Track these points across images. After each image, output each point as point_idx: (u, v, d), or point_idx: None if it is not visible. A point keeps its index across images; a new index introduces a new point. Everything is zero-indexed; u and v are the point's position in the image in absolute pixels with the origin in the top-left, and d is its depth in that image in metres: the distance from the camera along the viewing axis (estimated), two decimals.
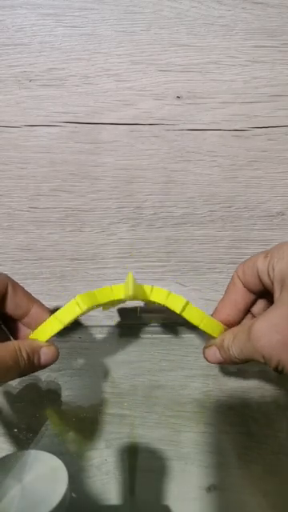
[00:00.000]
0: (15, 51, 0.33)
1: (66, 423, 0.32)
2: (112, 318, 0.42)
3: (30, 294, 0.30)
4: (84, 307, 0.27)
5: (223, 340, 0.28)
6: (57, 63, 0.33)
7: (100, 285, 0.40)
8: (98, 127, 0.35)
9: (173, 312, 0.29)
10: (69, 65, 0.34)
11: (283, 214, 0.38)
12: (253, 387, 0.35)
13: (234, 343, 0.27)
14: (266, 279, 0.27)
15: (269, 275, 0.26)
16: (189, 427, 0.31)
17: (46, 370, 0.36)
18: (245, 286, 0.29)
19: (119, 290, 0.29)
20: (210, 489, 0.26)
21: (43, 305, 0.30)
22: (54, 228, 0.38)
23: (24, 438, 0.30)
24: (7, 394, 0.34)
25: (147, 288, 0.29)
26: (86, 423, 0.31)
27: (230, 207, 0.38)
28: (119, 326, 0.42)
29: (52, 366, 0.36)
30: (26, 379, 0.36)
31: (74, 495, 0.25)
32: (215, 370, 0.37)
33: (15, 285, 0.29)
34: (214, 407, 0.33)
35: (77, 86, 0.34)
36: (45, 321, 0.28)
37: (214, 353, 0.29)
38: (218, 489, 0.26)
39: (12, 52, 0.33)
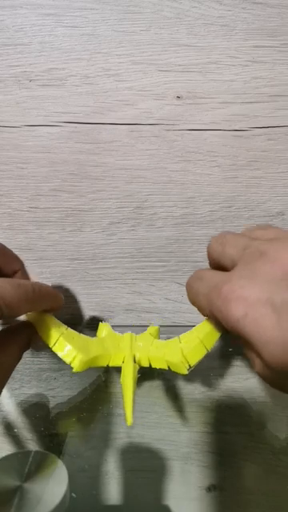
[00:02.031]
0: (15, 51, 0.33)
1: (66, 423, 0.32)
2: (112, 317, 0.42)
3: (17, 258, 0.29)
4: (74, 368, 0.25)
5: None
6: (57, 63, 0.33)
7: (100, 285, 0.40)
8: (97, 127, 0.35)
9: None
10: (69, 65, 0.34)
11: (283, 214, 0.38)
12: (253, 387, 0.35)
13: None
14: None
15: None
16: (189, 427, 0.31)
17: (46, 370, 0.37)
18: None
19: (116, 359, 0.28)
20: (209, 489, 0.26)
21: (26, 274, 0.29)
22: (54, 228, 0.38)
23: (24, 438, 0.30)
24: (7, 394, 0.34)
25: (144, 359, 0.28)
26: (86, 423, 0.31)
27: (229, 207, 0.38)
28: (119, 326, 0.42)
29: (52, 365, 0.36)
30: (27, 379, 0.36)
31: (73, 495, 0.25)
32: (215, 370, 0.37)
33: (41, 294, 0.27)
34: (214, 407, 0.33)
35: (77, 86, 0.34)
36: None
37: None
38: (217, 489, 0.26)
39: (12, 52, 0.33)
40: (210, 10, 0.33)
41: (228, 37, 0.33)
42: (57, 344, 0.26)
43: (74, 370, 0.25)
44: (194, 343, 0.26)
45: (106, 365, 0.27)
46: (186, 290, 0.26)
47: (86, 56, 0.33)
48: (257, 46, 0.33)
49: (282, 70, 0.34)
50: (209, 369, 0.36)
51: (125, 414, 0.24)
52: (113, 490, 0.26)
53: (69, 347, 0.25)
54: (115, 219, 0.38)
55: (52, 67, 0.34)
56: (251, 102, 0.35)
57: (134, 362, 0.28)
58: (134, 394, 0.25)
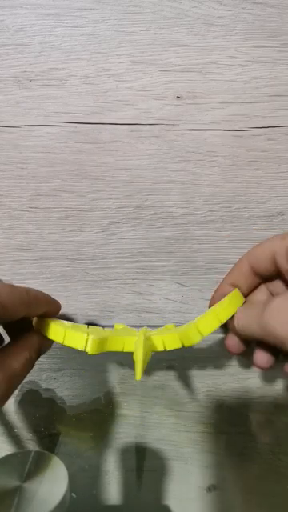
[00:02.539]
0: (15, 51, 0.33)
1: (66, 423, 0.32)
2: (112, 318, 0.42)
3: (47, 299, 0.28)
4: (90, 351, 0.25)
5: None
6: (57, 63, 0.33)
7: (100, 285, 0.40)
8: (98, 127, 0.35)
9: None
10: (69, 65, 0.34)
11: (283, 214, 0.38)
12: (253, 387, 0.35)
13: (243, 317, 0.25)
14: (283, 262, 0.25)
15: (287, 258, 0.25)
16: (189, 427, 0.31)
17: (46, 370, 0.37)
18: (253, 270, 0.28)
19: (130, 343, 0.28)
20: (209, 489, 0.26)
21: (56, 304, 0.29)
22: (54, 228, 0.38)
23: (24, 438, 0.30)
24: None
25: (157, 340, 0.27)
26: (86, 423, 0.31)
27: (229, 207, 0.38)
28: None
29: (52, 365, 0.36)
30: (27, 379, 0.35)
31: (73, 495, 0.25)
32: (215, 370, 0.37)
33: (37, 298, 0.26)
34: (214, 407, 0.33)
35: (77, 86, 0.34)
36: (54, 321, 0.28)
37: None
38: (217, 489, 0.26)
39: (12, 52, 0.33)
40: (209, 9, 0.33)
41: (228, 37, 0.33)
42: (66, 336, 0.26)
43: (90, 353, 0.24)
44: (208, 314, 0.26)
45: (120, 349, 0.27)
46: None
47: (85, 56, 0.33)
48: (257, 46, 0.33)
49: (282, 69, 0.34)
50: (209, 369, 0.37)
51: (134, 369, 0.24)
52: (113, 490, 0.26)
53: (79, 334, 0.25)
54: (115, 219, 0.38)
55: (52, 67, 0.34)
56: (251, 102, 0.35)
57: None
58: (146, 356, 0.25)
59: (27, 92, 0.34)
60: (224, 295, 0.28)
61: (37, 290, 0.26)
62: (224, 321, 0.26)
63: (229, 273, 0.30)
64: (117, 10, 0.33)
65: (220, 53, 0.33)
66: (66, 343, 0.26)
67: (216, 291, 0.30)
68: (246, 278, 0.28)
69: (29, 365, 0.25)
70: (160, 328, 0.32)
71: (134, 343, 0.27)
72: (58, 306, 0.29)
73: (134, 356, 0.25)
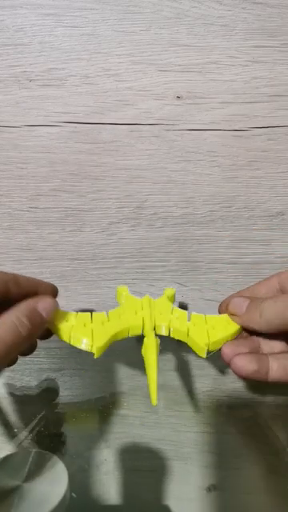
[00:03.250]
0: (15, 51, 0.33)
1: (66, 423, 0.32)
2: None
3: (32, 280, 0.27)
4: (96, 356, 0.26)
5: (262, 299, 0.25)
6: (57, 63, 0.33)
7: (100, 285, 0.40)
8: (97, 127, 0.35)
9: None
10: (69, 65, 0.34)
11: (283, 214, 0.38)
12: (253, 387, 0.35)
13: (273, 306, 0.24)
14: None
15: None
16: (189, 427, 0.31)
17: (46, 370, 0.37)
18: (281, 290, 0.26)
19: (134, 328, 0.28)
20: (209, 489, 0.26)
21: (47, 285, 0.28)
22: (54, 228, 0.38)
23: (24, 438, 0.30)
24: (7, 394, 0.34)
25: (165, 329, 0.28)
26: (86, 423, 0.31)
27: (230, 207, 0.38)
28: None
29: (52, 365, 0.36)
30: (26, 379, 0.36)
31: (74, 495, 0.25)
32: (215, 370, 0.37)
33: (16, 278, 0.26)
34: (214, 407, 0.33)
35: (77, 86, 0.34)
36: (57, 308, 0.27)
37: (239, 304, 0.26)
38: (217, 489, 0.26)
39: (12, 52, 0.33)
40: (209, 9, 0.33)
41: (228, 37, 0.33)
42: (71, 339, 0.26)
43: (95, 357, 0.25)
44: (221, 336, 0.26)
45: (125, 336, 0.27)
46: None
47: (85, 56, 0.33)
48: (257, 46, 0.33)
49: (282, 69, 0.34)
50: (209, 369, 0.37)
51: (149, 394, 0.24)
52: (113, 490, 0.26)
53: (83, 339, 0.26)
54: (115, 219, 0.38)
55: (52, 67, 0.34)
56: (251, 102, 0.35)
57: (155, 334, 0.28)
58: (158, 371, 0.25)
59: (27, 92, 0.34)
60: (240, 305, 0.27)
61: (17, 274, 0.26)
62: (229, 340, 0.27)
63: (255, 285, 0.28)
64: (117, 10, 0.33)
65: (220, 53, 0.33)
66: (72, 344, 0.26)
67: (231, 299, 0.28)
68: (272, 292, 0.27)
69: (16, 330, 0.22)
70: (162, 297, 0.31)
71: (138, 327, 0.27)
72: (47, 287, 0.28)
73: (148, 377, 0.25)
